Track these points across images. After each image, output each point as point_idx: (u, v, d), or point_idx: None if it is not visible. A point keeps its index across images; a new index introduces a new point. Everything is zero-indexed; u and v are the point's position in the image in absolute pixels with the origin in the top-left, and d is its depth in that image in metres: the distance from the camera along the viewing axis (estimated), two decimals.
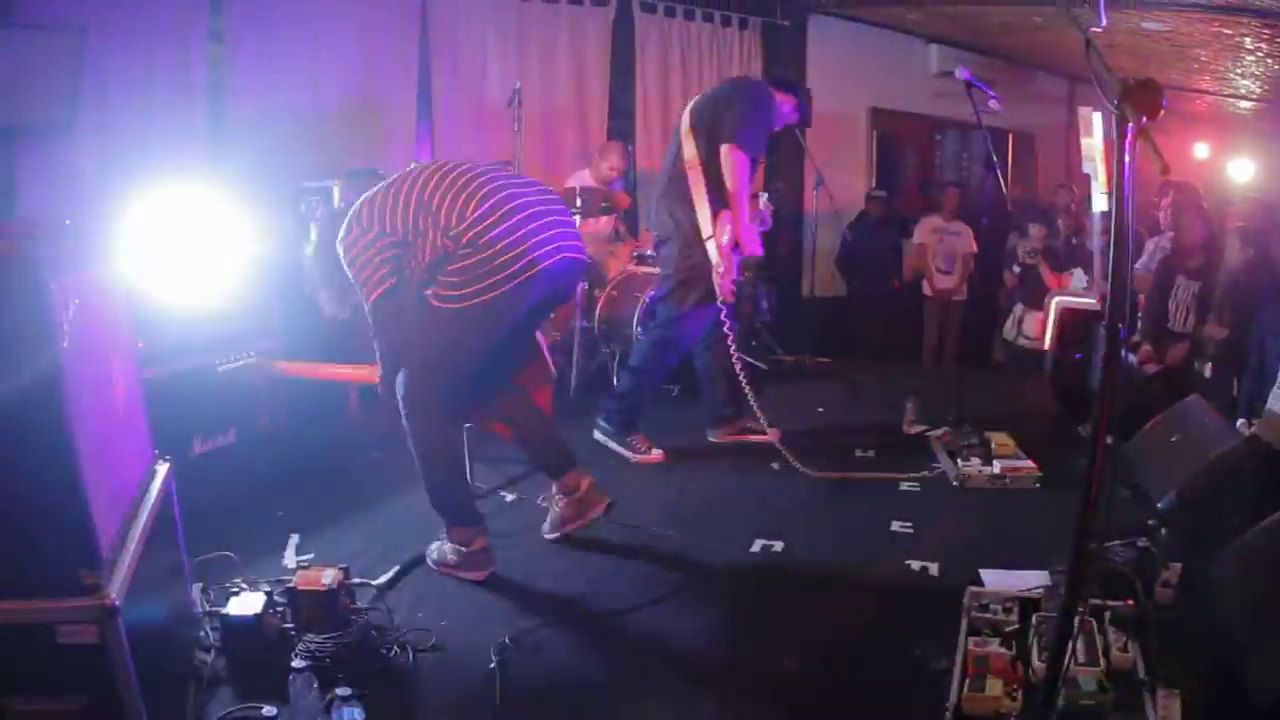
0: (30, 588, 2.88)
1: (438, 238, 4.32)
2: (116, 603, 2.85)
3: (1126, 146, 2.35)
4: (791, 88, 6.72)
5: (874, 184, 12.40)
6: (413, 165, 4.70)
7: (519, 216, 4.35)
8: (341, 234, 4.46)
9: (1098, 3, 2.79)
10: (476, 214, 4.28)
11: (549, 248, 4.44)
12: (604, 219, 8.99)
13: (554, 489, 5.12)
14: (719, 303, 6.32)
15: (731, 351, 6.45)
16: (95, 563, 2.89)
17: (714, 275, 6.21)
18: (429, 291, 4.39)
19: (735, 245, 6.24)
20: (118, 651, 2.88)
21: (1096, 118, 7.76)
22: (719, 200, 6.21)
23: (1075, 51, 2.65)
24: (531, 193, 4.55)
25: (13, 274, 2.71)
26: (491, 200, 4.33)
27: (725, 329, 6.42)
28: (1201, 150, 13.16)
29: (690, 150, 6.30)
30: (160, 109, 8.34)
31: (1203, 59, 11.11)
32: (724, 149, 6.14)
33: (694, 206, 6.24)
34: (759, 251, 6.49)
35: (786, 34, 11.80)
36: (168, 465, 3.95)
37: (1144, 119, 2.33)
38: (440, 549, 4.74)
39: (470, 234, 4.27)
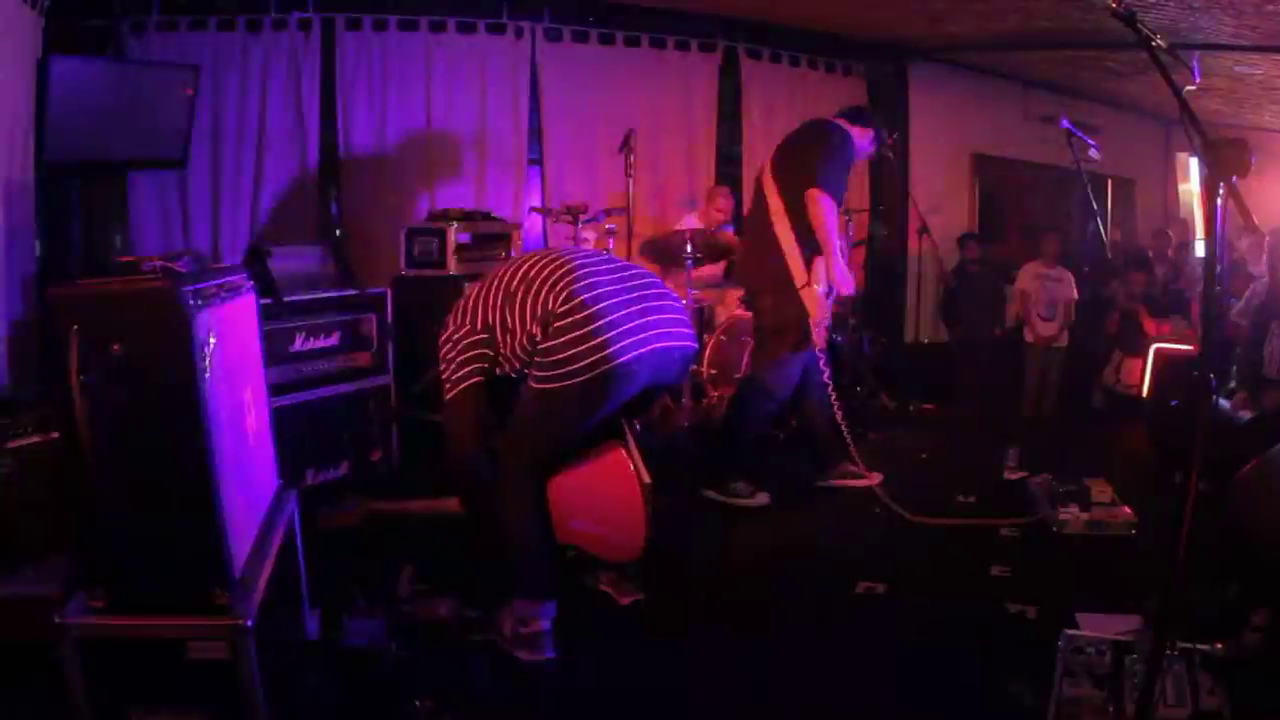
0: (165, 604, 3.02)
1: (523, 333, 4.33)
2: (249, 622, 2.99)
3: (1218, 203, 2.42)
4: (864, 120, 6.72)
5: (976, 230, 12.37)
6: (509, 257, 4.71)
7: (601, 306, 4.30)
8: (441, 332, 4.56)
9: (1192, 60, 2.86)
10: (558, 309, 4.26)
11: (638, 338, 4.38)
12: (715, 264, 9.08)
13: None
14: (814, 349, 6.37)
15: (831, 397, 6.51)
16: (228, 583, 3.03)
17: (810, 323, 6.27)
18: (528, 373, 4.41)
19: (829, 292, 6.29)
20: (247, 669, 3.01)
21: (1194, 163, 7.69)
22: (810, 247, 6.25)
23: (1171, 96, 2.72)
24: (617, 278, 4.52)
25: (161, 308, 2.87)
26: (570, 289, 4.30)
27: (825, 376, 6.47)
28: None
29: (775, 200, 6.34)
30: (272, 146, 8.57)
31: None
32: (809, 194, 6.15)
33: (785, 256, 6.27)
34: (850, 290, 6.49)
35: (889, 80, 11.87)
36: (294, 493, 4.10)
37: (1234, 177, 2.40)
38: (502, 618, 4.51)
39: (553, 326, 4.26)
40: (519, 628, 4.38)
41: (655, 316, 4.50)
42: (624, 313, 4.37)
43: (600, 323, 4.25)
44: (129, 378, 2.86)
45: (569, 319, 4.23)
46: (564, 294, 4.28)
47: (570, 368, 4.22)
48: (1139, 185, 14.52)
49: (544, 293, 4.31)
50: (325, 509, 5.30)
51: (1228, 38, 8.91)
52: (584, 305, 4.26)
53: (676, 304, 4.76)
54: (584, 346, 4.21)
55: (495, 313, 4.39)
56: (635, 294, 4.50)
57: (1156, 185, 14.62)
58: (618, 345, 4.27)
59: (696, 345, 4.88)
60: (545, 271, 4.39)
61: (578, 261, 4.49)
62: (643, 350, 4.37)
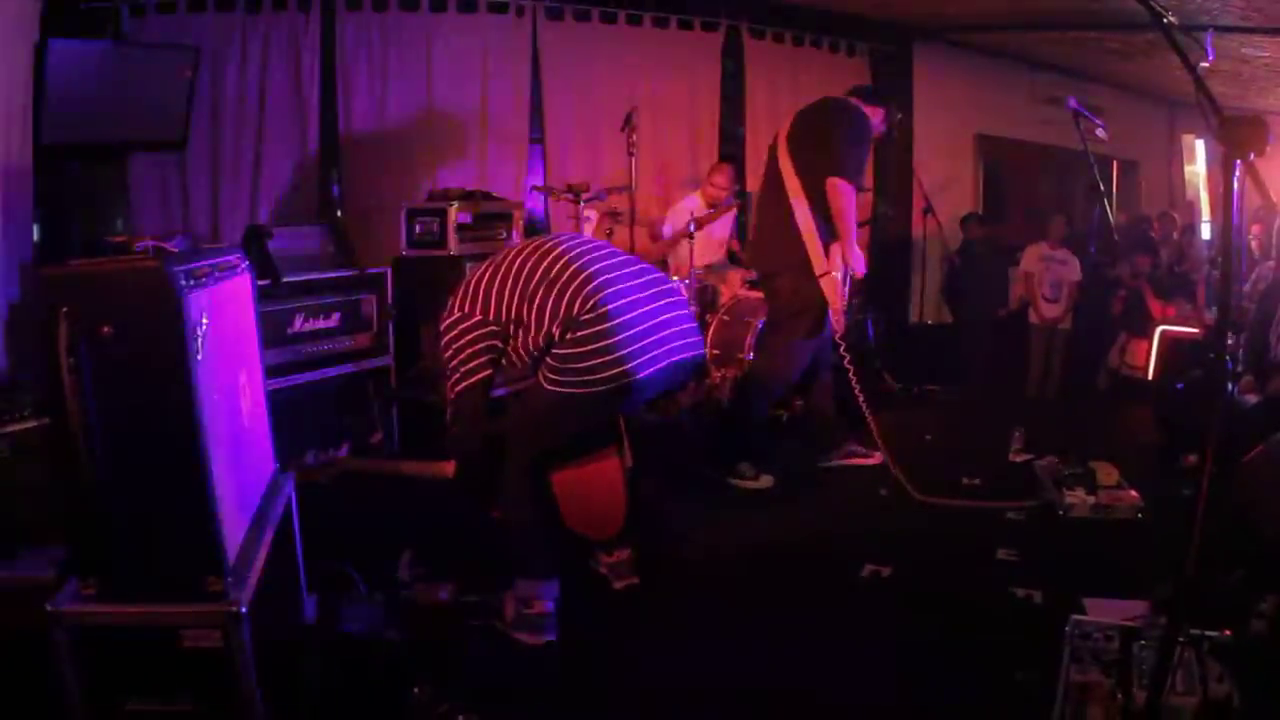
0: (158, 592, 2.98)
1: (539, 332, 4.30)
2: (243, 609, 2.95)
3: (1235, 182, 2.37)
4: (875, 99, 6.71)
5: (980, 211, 12.31)
6: (516, 243, 4.66)
7: (625, 318, 4.29)
8: (445, 313, 4.49)
9: (1205, 38, 2.81)
10: (582, 315, 4.22)
11: (659, 351, 4.40)
12: (721, 222, 9.04)
13: None
14: (832, 334, 6.35)
15: (851, 377, 6.49)
16: (222, 570, 2.99)
17: (830, 309, 6.25)
18: (539, 372, 4.38)
19: (846, 275, 6.26)
20: (241, 657, 2.97)
21: (1199, 145, 7.61)
22: (828, 233, 6.22)
23: (1176, 78, 2.68)
24: (638, 285, 4.49)
25: (150, 288, 2.82)
26: (596, 298, 4.25)
27: (845, 361, 6.46)
28: None
29: (793, 181, 6.30)
30: (272, 127, 8.53)
31: None
32: (830, 183, 6.12)
33: (803, 240, 6.23)
34: (864, 271, 6.45)
35: (893, 60, 11.79)
36: (290, 477, 4.06)
37: (1251, 155, 2.36)
38: (503, 601, 4.49)
39: (574, 333, 4.23)
40: (522, 609, 4.38)
41: (673, 329, 4.53)
42: (646, 325, 4.37)
43: (624, 335, 4.26)
44: (118, 359, 2.81)
45: (593, 328, 4.22)
46: (592, 301, 4.25)
47: (590, 376, 4.22)
48: (1143, 167, 14.45)
49: (568, 295, 4.27)
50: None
51: (1235, 19, 8.85)
52: (609, 315, 4.24)
53: (687, 309, 4.80)
54: (606, 358, 4.21)
55: (512, 308, 4.34)
56: (655, 303, 4.50)
57: (1161, 167, 14.54)
58: (639, 360, 4.29)
59: (705, 352, 4.89)
60: (568, 273, 4.34)
61: (602, 265, 4.45)
62: (661, 364, 4.41)
